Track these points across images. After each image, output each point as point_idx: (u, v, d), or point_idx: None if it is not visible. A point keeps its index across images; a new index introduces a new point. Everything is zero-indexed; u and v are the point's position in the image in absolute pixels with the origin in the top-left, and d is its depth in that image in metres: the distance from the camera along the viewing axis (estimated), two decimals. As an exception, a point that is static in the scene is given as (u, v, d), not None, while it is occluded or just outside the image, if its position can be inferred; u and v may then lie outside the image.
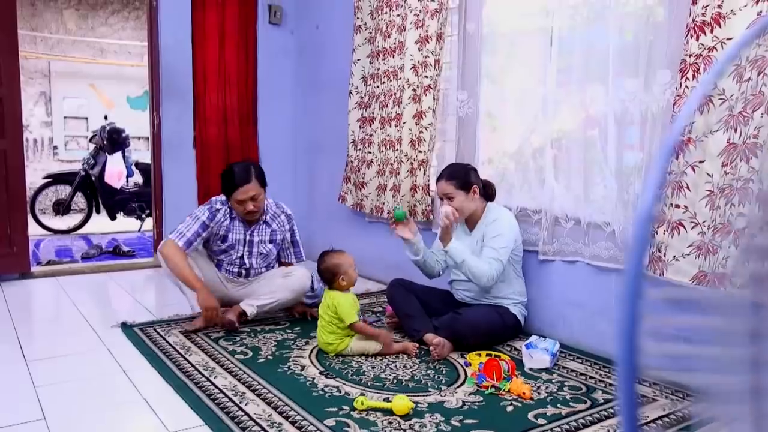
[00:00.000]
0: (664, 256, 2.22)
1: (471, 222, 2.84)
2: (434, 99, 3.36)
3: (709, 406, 0.76)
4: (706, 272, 2.12)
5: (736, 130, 2.05)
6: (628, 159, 2.59)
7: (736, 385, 0.73)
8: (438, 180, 2.81)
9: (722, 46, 2.09)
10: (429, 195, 3.44)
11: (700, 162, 2.13)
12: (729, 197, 2.06)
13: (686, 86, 2.20)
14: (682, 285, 2.17)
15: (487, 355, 2.46)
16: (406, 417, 2.01)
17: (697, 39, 2.16)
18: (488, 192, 2.85)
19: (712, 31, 2.12)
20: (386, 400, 2.11)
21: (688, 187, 2.16)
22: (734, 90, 2.05)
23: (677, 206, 2.19)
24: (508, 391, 2.23)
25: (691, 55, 2.18)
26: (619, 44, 2.54)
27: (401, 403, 2.03)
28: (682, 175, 2.17)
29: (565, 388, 2.29)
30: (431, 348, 2.54)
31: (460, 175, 2.76)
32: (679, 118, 0.82)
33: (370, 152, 3.82)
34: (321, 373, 2.40)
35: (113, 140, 6.25)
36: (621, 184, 2.56)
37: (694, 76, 2.18)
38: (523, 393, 2.22)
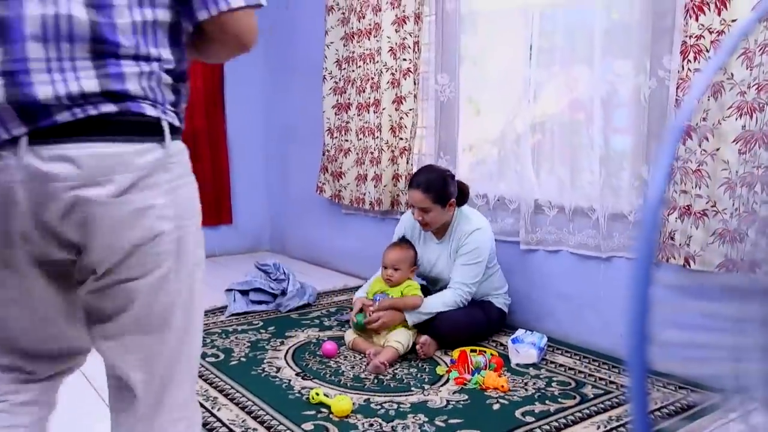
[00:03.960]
0: (688, 246, 2.16)
1: (440, 229, 2.66)
2: (414, 83, 3.24)
3: (722, 396, 0.74)
4: (733, 259, 2.08)
5: (751, 116, 1.99)
6: (616, 143, 2.52)
7: (752, 374, 0.72)
8: (412, 187, 2.57)
9: (729, 29, 2.02)
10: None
11: (716, 149, 2.08)
12: (751, 185, 2.02)
13: (688, 69, 2.12)
14: (706, 272, 2.12)
15: (471, 351, 2.38)
16: (378, 414, 1.93)
17: (697, 19, 2.09)
18: (462, 195, 2.65)
19: (719, 14, 2.04)
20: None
21: (708, 176, 2.10)
22: (745, 75, 1.99)
23: (699, 196, 2.13)
24: (483, 387, 2.18)
25: (691, 36, 2.11)
26: (605, 24, 2.46)
27: (340, 404, 1.97)
28: (701, 164, 2.11)
29: (553, 384, 2.24)
30: (418, 347, 2.45)
31: (438, 187, 2.53)
32: (687, 100, 0.76)
33: (347, 140, 3.68)
34: (298, 374, 2.31)
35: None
36: (609, 170, 2.49)
37: (695, 58, 2.10)
38: (501, 386, 2.16)
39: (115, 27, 0.90)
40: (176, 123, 1.00)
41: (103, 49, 0.90)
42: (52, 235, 0.93)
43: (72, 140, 0.89)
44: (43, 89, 0.86)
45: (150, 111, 0.95)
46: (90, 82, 0.89)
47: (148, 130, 0.95)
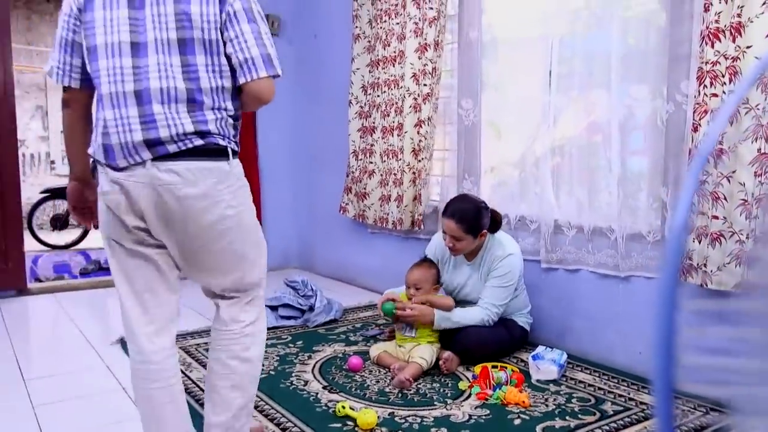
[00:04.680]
0: (705, 266, 2.19)
1: (471, 252, 2.70)
2: (432, 108, 3.35)
3: (744, 419, 0.75)
4: (750, 281, 2.09)
5: (767, 140, 2.03)
6: (633, 165, 2.57)
7: None
8: (446, 216, 2.59)
9: (744, 55, 2.07)
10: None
11: (733, 172, 2.11)
12: (766, 207, 2.05)
13: (705, 94, 2.17)
14: (725, 293, 2.14)
15: (492, 366, 2.43)
16: (402, 428, 1.97)
17: (712, 46, 2.14)
18: (495, 223, 2.67)
19: (734, 41, 2.09)
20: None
21: (725, 198, 2.13)
22: (760, 100, 2.03)
23: (715, 217, 2.16)
24: (505, 402, 2.21)
25: (707, 62, 2.16)
26: (623, 50, 2.52)
27: (365, 417, 2.01)
28: (717, 186, 2.15)
29: (573, 400, 2.26)
30: (441, 362, 2.51)
31: (471, 218, 2.56)
32: (712, 127, 0.80)
33: (371, 162, 3.79)
34: (324, 387, 2.37)
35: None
36: (626, 191, 2.53)
37: (712, 83, 2.15)
38: (522, 401, 2.20)
39: (201, 91, 1.51)
40: (236, 148, 1.60)
41: (194, 105, 1.50)
42: (163, 217, 1.52)
43: (176, 160, 1.48)
44: (163, 132, 1.47)
45: (221, 141, 1.54)
46: (188, 126, 1.49)
47: (219, 153, 1.54)
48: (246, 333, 1.71)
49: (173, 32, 1.47)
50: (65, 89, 1.60)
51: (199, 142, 1.50)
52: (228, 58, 1.52)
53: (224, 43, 1.51)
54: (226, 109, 1.55)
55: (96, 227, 1.78)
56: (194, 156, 1.50)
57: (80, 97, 1.60)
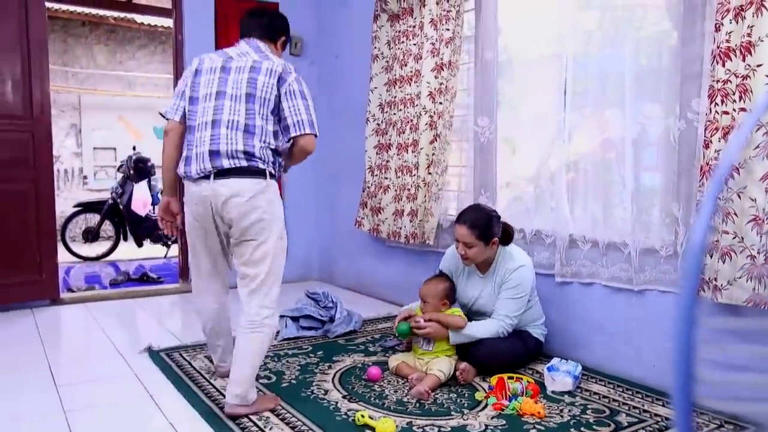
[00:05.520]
0: (716, 280, 2.21)
1: (484, 264, 2.77)
2: (444, 125, 3.42)
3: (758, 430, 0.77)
4: (761, 294, 2.12)
5: None
6: (647, 181, 2.60)
7: None
8: (459, 222, 2.67)
9: (754, 74, 2.11)
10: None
11: (744, 188, 2.14)
12: None
13: (716, 111, 2.20)
14: (736, 307, 2.17)
15: (508, 377, 2.47)
16: (427, 440, 2.02)
17: (723, 65, 2.17)
18: (506, 235, 2.74)
19: (744, 60, 2.13)
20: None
21: (735, 213, 2.16)
22: None
23: (726, 232, 2.18)
24: (520, 413, 2.25)
25: (718, 81, 2.19)
26: (636, 69, 2.57)
27: (384, 426, 2.05)
28: (728, 202, 2.17)
29: (588, 411, 2.29)
30: (457, 373, 2.56)
31: (483, 225, 2.63)
32: (728, 150, 0.83)
33: (386, 178, 3.87)
34: (344, 397, 2.42)
35: (139, 169, 6.42)
36: (640, 206, 2.57)
37: (723, 101, 2.18)
38: (538, 412, 2.23)
39: (254, 126, 2.24)
40: (273, 171, 2.28)
41: (247, 134, 2.23)
42: (221, 218, 2.26)
43: (229, 177, 2.21)
44: (222, 147, 2.21)
45: (260, 165, 2.24)
46: (240, 146, 2.21)
47: (260, 173, 2.24)
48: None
49: (244, 89, 2.25)
50: (169, 121, 2.37)
51: (244, 163, 2.20)
52: (280, 117, 2.29)
53: (282, 109, 2.28)
54: (268, 143, 2.26)
55: (175, 236, 2.82)
56: (241, 174, 2.21)
57: (177, 127, 2.36)
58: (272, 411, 2.27)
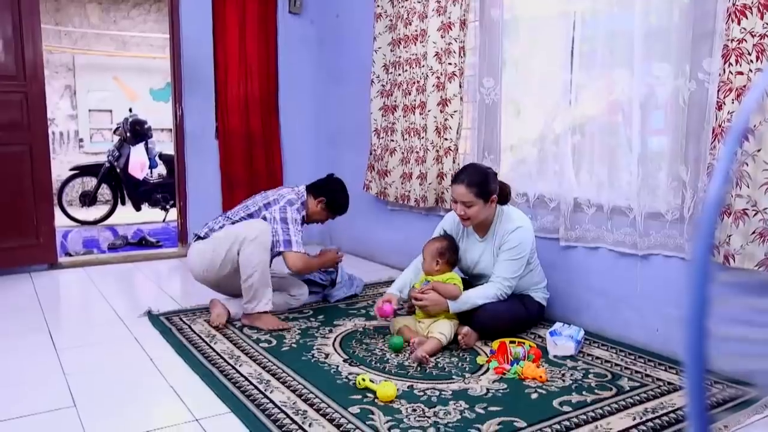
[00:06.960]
0: (728, 244, 2.19)
1: (482, 226, 2.74)
2: (460, 86, 3.35)
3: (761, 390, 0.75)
4: None
5: None
6: (653, 144, 2.55)
7: None
8: (456, 182, 2.63)
9: None
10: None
11: (757, 151, 2.09)
12: None
13: (730, 72, 2.14)
14: (751, 271, 2.14)
15: (510, 342, 2.46)
16: (421, 401, 2.02)
17: (739, 23, 2.10)
18: (503, 195, 2.71)
19: (762, 17, 2.05)
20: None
21: (749, 176, 2.12)
22: None
23: (739, 196, 2.15)
24: (522, 377, 2.25)
25: (733, 40, 2.12)
26: (645, 28, 2.49)
27: (385, 390, 2.05)
28: (742, 165, 2.13)
29: (590, 375, 2.28)
30: (459, 337, 2.55)
31: (481, 182, 2.59)
32: (745, 104, 0.79)
33: (392, 140, 3.81)
34: (345, 360, 2.42)
35: (136, 131, 6.33)
36: (646, 170, 2.52)
37: (737, 61, 2.12)
38: (539, 377, 2.23)
39: (260, 214, 3.00)
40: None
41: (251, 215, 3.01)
42: None
43: None
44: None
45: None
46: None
47: None
48: None
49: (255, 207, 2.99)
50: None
51: None
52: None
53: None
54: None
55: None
56: None
57: None
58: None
